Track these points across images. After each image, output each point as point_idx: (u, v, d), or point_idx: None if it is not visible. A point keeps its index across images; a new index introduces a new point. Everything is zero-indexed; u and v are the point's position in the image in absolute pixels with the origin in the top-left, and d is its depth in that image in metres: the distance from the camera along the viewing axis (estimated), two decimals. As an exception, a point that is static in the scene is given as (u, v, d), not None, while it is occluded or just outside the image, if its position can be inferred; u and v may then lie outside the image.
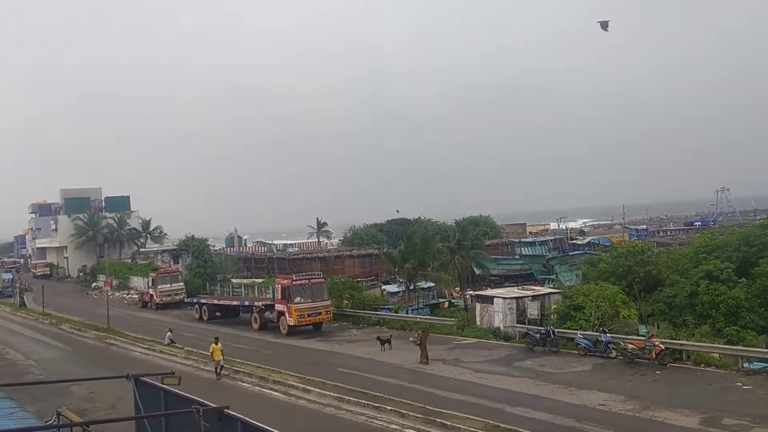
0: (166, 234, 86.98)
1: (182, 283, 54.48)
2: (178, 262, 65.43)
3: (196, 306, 46.41)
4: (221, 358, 26.71)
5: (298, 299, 36.39)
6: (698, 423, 17.64)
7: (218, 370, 26.54)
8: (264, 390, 24.70)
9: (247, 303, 42.97)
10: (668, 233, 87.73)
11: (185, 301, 51.35)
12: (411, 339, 28.15)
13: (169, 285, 53.46)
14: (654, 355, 24.67)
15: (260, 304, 40.57)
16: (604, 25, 24.92)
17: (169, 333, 35.21)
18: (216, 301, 46.32)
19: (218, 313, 44.87)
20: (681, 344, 25.70)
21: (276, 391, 24.31)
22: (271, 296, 40.80)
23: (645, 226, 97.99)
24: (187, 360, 30.89)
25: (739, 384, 21.53)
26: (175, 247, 70.38)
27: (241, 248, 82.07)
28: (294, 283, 36.87)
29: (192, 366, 29.54)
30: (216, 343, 26.80)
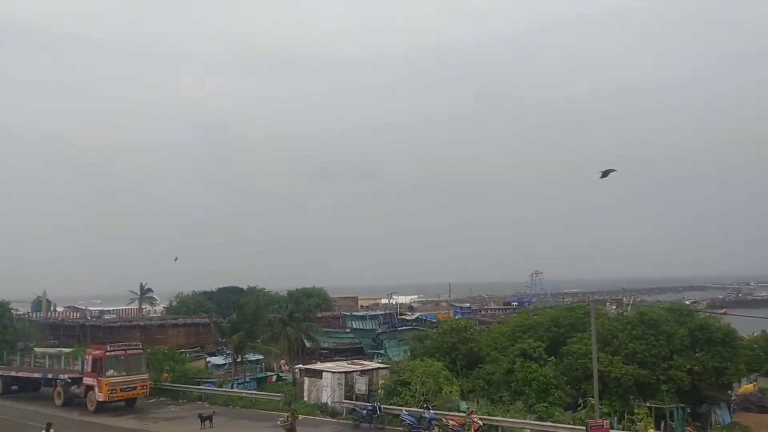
0: None
1: (-26, 351, 48.02)
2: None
3: (-11, 378, 40.95)
4: None
5: (110, 372, 33.98)
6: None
7: None
8: (62, 476, 22.00)
9: (50, 375, 38.76)
10: (489, 312, 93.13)
11: (-24, 371, 45.04)
12: (279, 422, 26.18)
13: (-43, 353, 46.94)
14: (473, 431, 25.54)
15: (66, 377, 36.86)
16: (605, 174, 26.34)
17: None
18: (13, 373, 41.39)
19: (15, 386, 40.11)
20: (497, 420, 27.09)
21: (76, 476, 21.76)
22: (80, 368, 37.25)
23: (468, 304, 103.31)
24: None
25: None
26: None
27: (49, 314, 74.62)
28: (107, 354, 34.38)
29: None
30: (47, 430, 22.97)
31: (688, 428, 30.49)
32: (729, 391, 36.59)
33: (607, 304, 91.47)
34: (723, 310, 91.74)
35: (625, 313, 45.67)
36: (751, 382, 41.47)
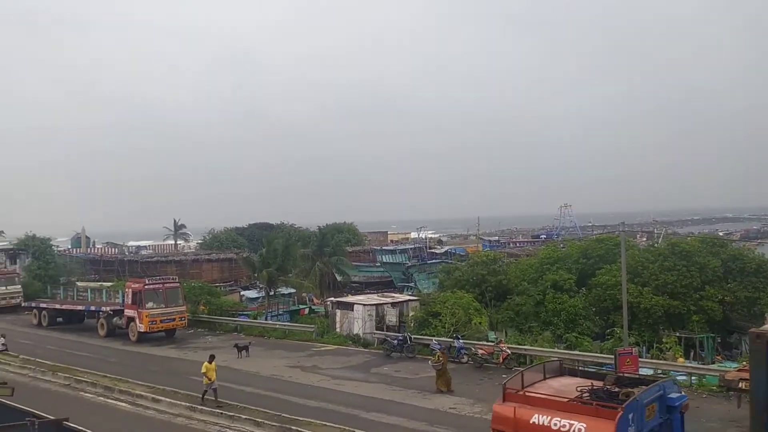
0: (2, 232, 79.63)
1: (19, 286, 50.04)
2: (15, 263, 59.98)
3: (35, 311, 42.79)
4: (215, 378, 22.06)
5: (150, 304, 34.99)
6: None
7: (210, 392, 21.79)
8: (109, 401, 23.18)
9: (93, 308, 40.29)
10: (517, 245, 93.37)
11: (22, 305, 47.15)
12: (431, 362, 25.98)
13: (3, 287, 48.98)
14: (501, 360, 26.10)
15: (108, 309, 38.27)
16: None
17: (1, 339, 32.17)
18: (58, 306, 42.97)
19: (60, 319, 41.69)
20: (525, 349, 27.43)
21: (122, 401, 22.90)
22: (121, 301, 38.62)
23: (497, 238, 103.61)
24: (23, 369, 28.26)
25: (576, 386, 23.21)
26: (12, 247, 64.46)
27: (88, 249, 77.02)
28: (146, 287, 35.38)
29: (29, 376, 27.10)
30: (210, 362, 22.15)
31: (718, 357, 30.74)
32: (761, 321, 36.62)
33: (638, 236, 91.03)
34: (757, 241, 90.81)
35: (656, 245, 45.46)
36: (783, 313, 41.35)
